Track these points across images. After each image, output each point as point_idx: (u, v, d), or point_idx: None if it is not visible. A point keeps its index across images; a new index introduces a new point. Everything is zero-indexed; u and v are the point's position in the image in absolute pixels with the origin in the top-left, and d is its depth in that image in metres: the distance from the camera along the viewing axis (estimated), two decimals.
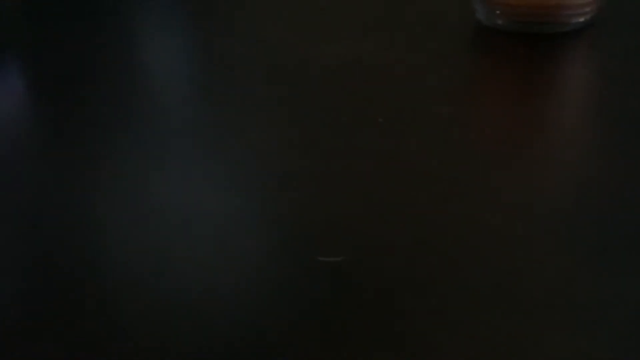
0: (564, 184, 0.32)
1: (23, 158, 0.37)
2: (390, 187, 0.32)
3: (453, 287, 0.26)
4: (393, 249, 0.28)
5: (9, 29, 0.54)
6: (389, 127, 0.37)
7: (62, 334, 0.25)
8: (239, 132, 0.37)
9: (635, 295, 0.26)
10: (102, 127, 0.39)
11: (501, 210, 0.30)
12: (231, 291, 0.27)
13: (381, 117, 0.38)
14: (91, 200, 0.33)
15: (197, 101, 0.42)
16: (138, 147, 0.37)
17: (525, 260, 0.27)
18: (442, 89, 0.41)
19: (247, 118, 0.39)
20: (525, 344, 0.24)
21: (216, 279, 0.27)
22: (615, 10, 0.48)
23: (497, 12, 0.46)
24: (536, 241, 0.28)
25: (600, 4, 0.46)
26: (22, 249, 0.30)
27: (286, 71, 0.44)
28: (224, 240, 0.30)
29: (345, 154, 0.35)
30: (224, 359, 0.24)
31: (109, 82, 0.44)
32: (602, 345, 0.24)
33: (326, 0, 0.55)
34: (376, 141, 0.36)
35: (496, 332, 0.24)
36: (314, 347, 0.24)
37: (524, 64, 0.43)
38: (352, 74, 0.43)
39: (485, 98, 0.41)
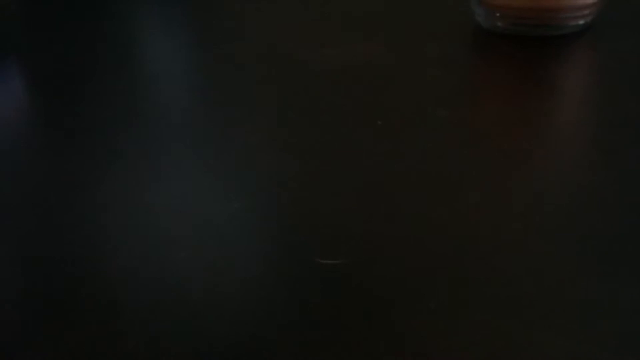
0: (563, 186, 0.32)
1: (23, 158, 0.37)
2: (389, 189, 0.32)
3: (453, 288, 0.26)
4: (392, 250, 0.28)
5: (9, 30, 0.54)
6: (388, 129, 0.37)
7: (62, 335, 0.25)
8: (239, 132, 0.37)
9: (637, 295, 0.26)
10: (102, 127, 0.39)
11: (501, 211, 0.30)
12: (230, 293, 0.27)
13: (380, 119, 0.38)
14: (91, 200, 0.33)
15: (197, 102, 0.42)
16: (138, 148, 0.37)
17: (526, 261, 0.27)
18: (441, 91, 0.41)
19: (247, 119, 0.39)
20: (526, 346, 0.24)
21: (216, 281, 0.27)
22: (615, 12, 0.49)
23: (497, 14, 0.47)
24: (537, 242, 0.28)
25: (600, 6, 0.46)
26: (22, 248, 0.30)
27: (285, 73, 0.44)
28: (224, 242, 0.30)
29: (345, 156, 0.35)
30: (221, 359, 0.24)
31: (109, 82, 0.44)
32: (604, 347, 0.24)
33: (326, 2, 0.55)
34: (375, 143, 0.36)
35: (497, 334, 0.24)
36: (314, 349, 0.24)
37: (523, 67, 0.43)
38: (351, 76, 0.43)
39: (484, 100, 0.41)
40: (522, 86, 0.41)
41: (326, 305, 0.26)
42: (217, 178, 0.34)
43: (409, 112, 0.39)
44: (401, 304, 0.26)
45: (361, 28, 0.50)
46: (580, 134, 0.37)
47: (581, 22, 0.46)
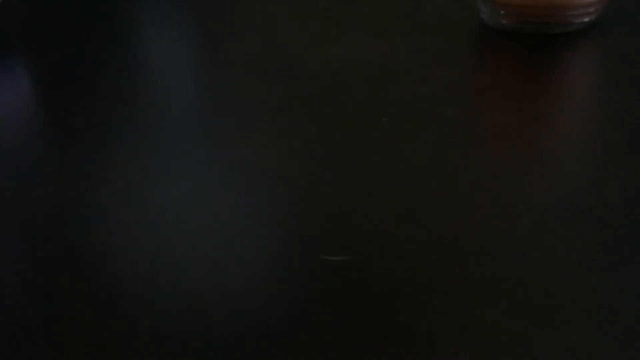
0: (568, 184, 0.32)
1: (28, 157, 0.37)
2: (394, 186, 0.32)
3: (457, 287, 0.26)
4: (397, 247, 0.28)
5: (14, 30, 0.54)
6: (393, 126, 0.37)
7: (63, 334, 0.25)
8: (242, 132, 0.37)
9: (639, 295, 0.26)
10: (106, 127, 0.39)
11: (505, 209, 0.30)
12: (235, 290, 0.27)
13: (385, 116, 0.38)
14: (96, 199, 0.33)
15: (200, 101, 0.42)
16: (142, 148, 0.37)
17: (529, 259, 0.27)
18: (446, 89, 0.41)
19: (250, 118, 0.39)
20: (529, 344, 0.24)
21: (220, 278, 0.27)
22: (620, 10, 0.48)
23: (502, 12, 0.46)
24: (540, 241, 0.28)
25: (605, 4, 0.46)
26: (26, 246, 0.30)
27: (289, 72, 0.44)
28: (228, 239, 0.30)
29: (350, 153, 0.35)
30: (227, 357, 0.24)
31: (114, 82, 0.44)
32: (606, 345, 0.24)
33: (329, 1, 0.55)
34: (380, 141, 0.36)
35: (500, 332, 0.24)
36: (318, 346, 0.24)
37: (528, 64, 0.43)
38: (356, 74, 0.43)
39: (489, 98, 0.41)
40: (527, 84, 0.41)
41: (330, 301, 0.26)
42: (221, 176, 0.34)
43: (413, 110, 0.39)
44: (405, 301, 0.26)
45: (365, 25, 0.50)
46: (586, 132, 0.37)
47: (586, 19, 0.46)
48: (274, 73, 0.44)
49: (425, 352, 0.24)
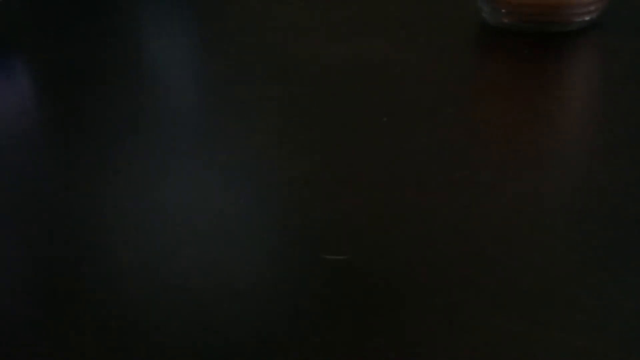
0: (568, 184, 0.32)
1: (29, 157, 0.37)
2: (395, 185, 0.32)
3: (457, 287, 0.26)
4: (397, 248, 0.28)
5: (15, 29, 0.54)
6: (394, 126, 0.37)
7: (65, 333, 0.25)
8: (243, 131, 0.37)
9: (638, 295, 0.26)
10: (106, 126, 0.39)
11: (505, 209, 0.30)
12: (235, 290, 0.27)
13: (386, 116, 0.38)
14: (97, 199, 0.33)
15: (200, 101, 0.42)
16: (143, 147, 0.37)
17: (530, 260, 0.27)
18: (447, 88, 0.41)
19: (251, 117, 0.39)
20: (529, 344, 0.24)
21: (221, 278, 0.27)
22: (621, 9, 0.48)
23: (503, 11, 0.46)
24: (540, 241, 0.28)
25: (606, 3, 0.46)
26: (27, 246, 0.30)
27: (289, 71, 0.44)
28: (229, 239, 0.30)
29: (350, 152, 0.35)
30: (227, 356, 0.24)
31: (114, 81, 0.44)
32: (607, 345, 0.24)
33: (329, 1, 0.55)
34: (381, 140, 0.36)
35: (500, 332, 0.24)
36: (318, 346, 0.24)
37: (530, 63, 0.43)
38: (356, 73, 0.43)
39: (490, 97, 0.41)
40: (528, 83, 0.41)
41: (331, 301, 0.26)
42: (222, 176, 0.34)
43: (414, 109, 0.38)
44: (406, 301, 0.26)
45: (366, 25, 0.50)
46: (586, 131, 0.37)
47: (587, 18, 0.46)
48: (274, 73, 0.44)
49: (425, 352, 0.24)
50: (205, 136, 0.38)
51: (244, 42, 0.48)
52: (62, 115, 0.41)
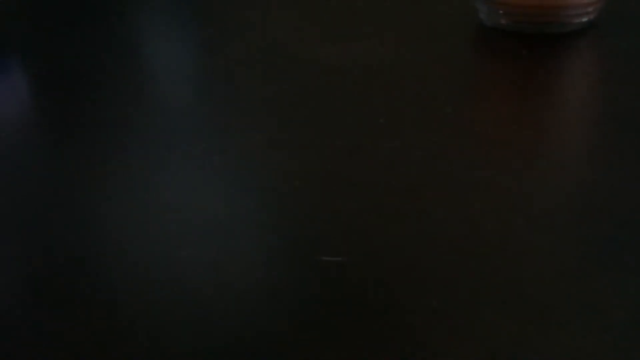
0: (566, 185, 0.32)
1: (26, 158, 0.37)
2: (392, 187, 0.32)
3: (455, 288, 0.26)
4: (395, 249, 0.28)
5: (12, 30, 0.54)
6: (391, 127, 0.37)
7: (63, 334, 0.25)
8: (241, 132, 0.37)
9: (639, 295, 0.26)
10: (104, 126, 0.39)
11: (504, 210, 0.30)
12: (233, 291, 0.27)
13: (383, 117, 0.38)
14: (95, 199, 0.33)
15: (199, 101, 0.42)
16: (141, 147, 0.37)
17: (527, 261, 0.27)
18: (444, 89, 0.41)
19: (249, 118, 0.39)
20: (527, 345, 0.24)
21: (218, 279, 0.27)
22: (619, 10, 0.48)
23: (500, 12, 0.46)
24: (538, 242, 0.28)
25: (603, 4, 0.46)
26: (25, 247, 0.30)
27: (287, 72, 0.44)
28: (226, 240, 0.30)
29: (347, 154, 0.35)
30: (225, 357, 0.24)
31: (112, 82, 0.44)
32: (606, 346, 0.24)
33: (328, 1, 0.55)
34: (378, 141, 0.36)
35: (497, 333, 0.24)
36: (316, 347, 0.24)
37: (527, 64, 0.43)
38: (354, 74, 0.43)
39: (487, 98, 0.41)
40: (526, 84, 0.41)
41: (328, 302, 0.26)
42: (219, 176, 0.34)
43: (412, 110, 0.38)
44: (403, 302, 0.26)
45: (363, 26, 0.50)
46: (584, 132, 0.37)
47: (584, 19, 0.46)
48: (272, 74, 0.44)
49: (422, 353, 0.24)
50: (203, 137, 0.38)
51: (241, 44, 0.48)
52: (58, 116, 0.41)
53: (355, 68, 0.43)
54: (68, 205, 0.32)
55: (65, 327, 0.26)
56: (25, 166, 0.36)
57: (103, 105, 0.41)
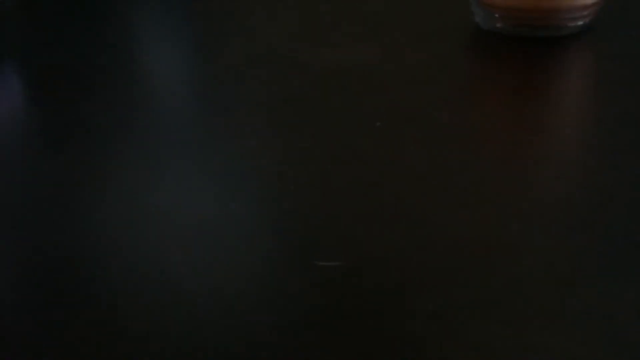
0: (564, 187, 0.32)
1: (21, 161, 0.37)
2: (388, 191, 0.32)
3: (452, 292, 0.26)
4: (390, 253, 0.28)
5: (8, 31, 0.54)
6: (387, 131, 0.37)
7: (60, 335, 0.25)
8: (237, 134, 0.37)
9: (637, 299, 0.25)
10: (100, 128, 0.39)
11: (501, 214, 0.30)
12: (228, 295, 0.27)
13: (379, 121, 0.38)
14: (90, 203, 0.33)
15: (196, 103, 0.42)
16: (137, 150, 0.37)
17: (525, 264, 0.27)
18: (440, 93, 0.41)
19: (246, 122, 0.39)
20: (526, 349, 0.24)
21: (214, 283, 0.27)
22: (614, 14, 0.48)
23: (496, 15, 0.46)
24: (537, 244, 0.28)
25: (599, 7, 0.46)
26: (20, 250, 0.30)
27: (283, 75, 0.44)
28: (222, 243, 0.29)
29: (343, 157, 0.35)
30: None
31: (108, 84, 0.44)
32: (605, 351, 0.23)
33: (323, 4, 0.55)
34: (374, 145, 0.36)
35: (493, 337, 0.24)
36: (311, 352, 0.24)
37: (523, 68, 0.43)
38: (350, 78, 0.43)
39: (484, 102, 0.41)
40: (522, 87, 0.41)
41: (324, 307, 0.26)
42: (215, 180, 0.34)
43: (408, 114, 0.38)
44: (400, 306, 0.26)
45: (359, 29, 0.50)
46: (580, 136, 0.37)
47: (580, 23, 0.46)
48: (268, 77, 0.43)
49: (419, 357, 0.23)
50: (199, 140, 0.38)
51: (237, 47, 0.48)
52: (53, 119, 0.41)
53: (350, 71, 0.43)
54: (60, 208, 0.32)
55: (60, 328, 0.25)
56: (20, 169, 0.36)
57: (98, 108, 0.41)
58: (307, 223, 0.30)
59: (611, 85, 0.41)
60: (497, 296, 0.26)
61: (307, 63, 0.45)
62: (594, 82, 0.43)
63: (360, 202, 0.31)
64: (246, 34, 0.51)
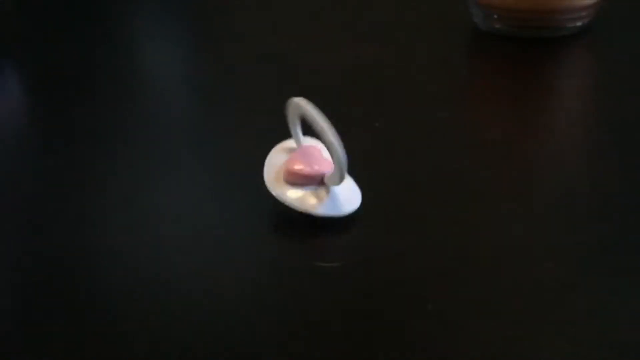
0: (563, 187, 0.32)
1: (21, 161, 0.37)
2: (387, 191, 0.32)
3: (452, 292, 0.26)
4: (391, 253, 0.28)
5: (7, 32, 0.54)
6: (386, 131, 0.37)
7: (60, 335, 0.25)
8: (237, 135, 0.37)
9: (637, 300, 0.26)
10: (100, 129, 0.39)
11: (501, 213, 0.30)
12: (229, 296, 0.27)
13: (378, 121, 0.38)
14: (90, 203, 0.33)
15: (195, 104, 0.42)
16: (137, 151, 0.37)
17: (526, 264, 0.27)
18: (439, 93, 0.41)
19: (245, 121, 0.39)
20: (525, 350, 0.24)
21: (214, 284, 0.27)
22: (613, 14, 0.48)
23: (495, 16, 0.46)
24: (536, 245, 0.28)
25: (598, 8, 0.46)
26: (21, 250, 0.30)
27: (282, 76, 0.44)
28: (222, 244, 0.30)
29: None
30: None
31: (107, 84, 0.44)
32: (606, 352, 0.24)
33: (324, 6, 0.55)
34: (372, 145, 0.36)
35: (495, 338, 0.24)
36: (311, 354, 0.24)
37: (522, 69, 0.43)
38: (349, 78, 0.43)
39: (482, 102, 0.41)
40: (521, 88, 0.41)
41: (325, 308, 0.26)
42: (215, 180, 0.34)
43: (407, 114, 0.38)
44: (399, 307, 0.26)
45: (358, 30, 0.50)
46: (579, 136, 0.37)
47: (579, 23, 0.46)
48: (267, 77, 0.44)
49: (417, 357, 0.24)
50: (198, 142, 0.38)
51: (238, 48, 0.48)
52: (53, 119, 0.41)
53: (349, 72, 0.43)
54: (58, 209, 0.32)
55: (60, 328, 0.25)
56: (18, 170, 0.36)
57: (95, 110, 0.41)
58: (306, 223, 0.30)
59: (610, 86, 0.41)
60: (496, 296, 0.26)
61: (306, 64, 0.45)
62: (592, 82, 0.43)
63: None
64: (247, 35, 0.51)
